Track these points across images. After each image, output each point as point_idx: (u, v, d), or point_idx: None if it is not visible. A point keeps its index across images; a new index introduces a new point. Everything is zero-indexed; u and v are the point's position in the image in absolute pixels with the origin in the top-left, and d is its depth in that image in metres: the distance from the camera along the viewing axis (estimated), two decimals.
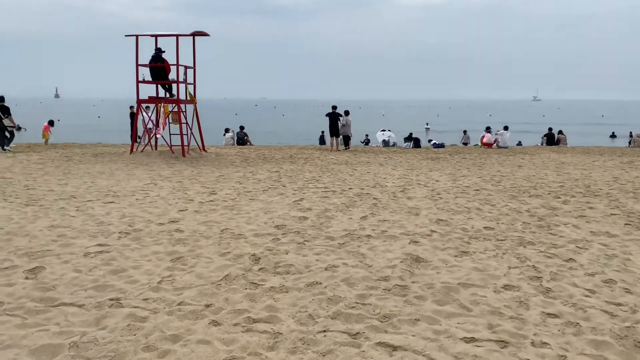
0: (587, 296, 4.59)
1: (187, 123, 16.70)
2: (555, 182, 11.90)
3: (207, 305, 4.29)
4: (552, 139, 26.72)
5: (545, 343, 3.63)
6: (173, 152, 16.31)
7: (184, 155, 15.95)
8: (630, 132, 45.31)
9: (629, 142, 26.53)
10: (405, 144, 23.06)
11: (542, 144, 27.11)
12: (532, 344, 3.62)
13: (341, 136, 21.35)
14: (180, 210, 8.16)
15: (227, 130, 25.41)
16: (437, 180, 11.89)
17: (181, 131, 16.24)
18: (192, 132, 17.07)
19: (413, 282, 4.91)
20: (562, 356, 3.43)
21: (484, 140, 23.50)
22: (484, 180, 12.03)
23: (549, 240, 6.56)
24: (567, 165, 15.71)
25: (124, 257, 5.68)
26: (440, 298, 4.51)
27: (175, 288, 4.73)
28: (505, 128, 23.48)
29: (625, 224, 7.58)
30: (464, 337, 3.69)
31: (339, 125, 20.81)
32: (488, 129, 24.11)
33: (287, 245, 6.17)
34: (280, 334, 3.75)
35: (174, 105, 16.64)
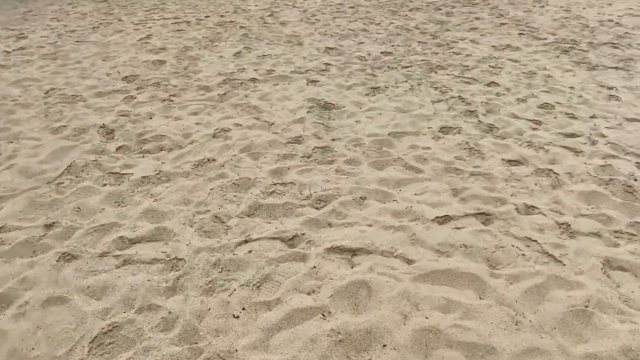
0: (535, 129, 3.87)
1: None
2: None
3: (48, 226, 2.74)
4: None
5: (532, 207, 2.82)
6: None
7: None
8: None
9: None
10: None
11: None
12: (517, 210, 2.80)
13: None
14: None
15: None
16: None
17: None
18: None
19: (334, 140, 3.75)
20: (563, 223, 2.66)
21: None
22: None
23: (457, 62, 5.70)
24: None
25: None
26: (376, 159, 3.44)
27: None
28: None
29: (519, 33, 6.99)
30: (436, 217, 2.73)
31: None
32: None
33: (149, 104, 4.49)
34: (180, 260, 2.44)
35: None
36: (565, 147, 3.54)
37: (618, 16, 7.79)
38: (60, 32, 7.38)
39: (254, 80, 5.12)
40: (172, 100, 4.56)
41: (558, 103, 4.39)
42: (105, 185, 3.15)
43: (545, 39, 6.65)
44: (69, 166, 3.38)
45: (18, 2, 10.17)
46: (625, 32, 6.75)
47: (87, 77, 5.29)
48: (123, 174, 3.28)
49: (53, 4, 9.96)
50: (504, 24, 7.58)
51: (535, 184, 3.06)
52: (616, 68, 5.30)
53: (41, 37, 7.09)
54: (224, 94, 4.74)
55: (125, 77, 5.24)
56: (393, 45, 6.49)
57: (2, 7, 9.63)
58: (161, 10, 9.03)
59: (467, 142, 3.65)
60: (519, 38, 6.73)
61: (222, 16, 8.44)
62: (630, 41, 6.32)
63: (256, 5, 9.45)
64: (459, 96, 4.60)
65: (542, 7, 8.79)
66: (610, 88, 4.71)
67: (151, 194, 3.03)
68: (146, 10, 9.05)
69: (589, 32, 6.95)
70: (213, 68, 5.53)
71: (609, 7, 8.57)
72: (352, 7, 9.19)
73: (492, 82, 4.99)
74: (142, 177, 3.22)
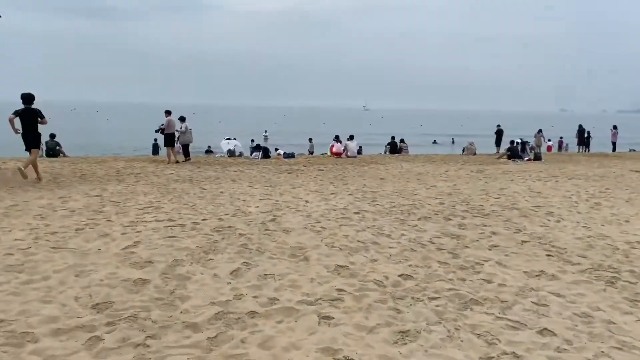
0: None
1: None
2: (431, 197, 10.73)
3: None
4: (395, 147, 27.04)
5: None
6: None
7: None
8: (452, 139, 49.88)
9: (463, 150, 27.99)
10: (254, 154, 20.90)
11: (385, 152, 27.32)
12: None
13: (180, 145, 18.47)
14: None
15: None
16: (307, 201, 9.86)
17: None
18: None
19: None
20: None
21: (334, 149, 22.54)
22: (357, 199, 10.36)
23: (491, 294, 4.87)
24: (425, 175, 15.03)
25: None
26: None
27: None
28: (351, 137, 23.08)
29: (547, 254, 6.34)
30: None
31: (177, 133, 17.88)
32: (337, 138, 23.18)
33: (116, 353, 3.46)
34: None
35: None
36: None
37: None
38: (39, 234, 6.63)
39: (253, 314, 4.18)
40: (147, 346, 3.55)
41: None
42: None
43: (579, 264, 5.97)
44: None
45: (6, 193, 9.70)
46: None
47: (50, 301, 4.34)
48: None
49: (43, 197, 9.49)
50: (525, 241, 6.99)
51: None
52: None
53: (15, 240, 6.31)
54: (215, 336, 3.75)
55: (97, 304, 4.29)
56: (411, 265, 5.74)
57: None
58: (155, 210, 8.50)
59: None
60: (550, 262, 6.04)
61: (220, 219, 7.86)
62: None
63: (257, 207, 8.99)
64: (513, 353, 3.64)
65: (558, 222, 8.37)
66: None
67: None
68: (139, 209, 8.52)
69: (622, 256, 6.33)
70: (205, 293, 4.63)
71: (627, 225, 8.17)
72: (357, 213, 8.75)
73: (545, 328, 4.09)
74: None
